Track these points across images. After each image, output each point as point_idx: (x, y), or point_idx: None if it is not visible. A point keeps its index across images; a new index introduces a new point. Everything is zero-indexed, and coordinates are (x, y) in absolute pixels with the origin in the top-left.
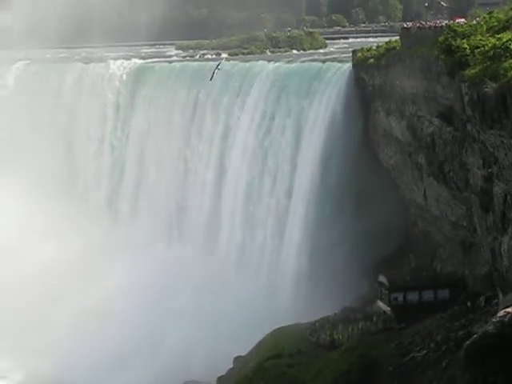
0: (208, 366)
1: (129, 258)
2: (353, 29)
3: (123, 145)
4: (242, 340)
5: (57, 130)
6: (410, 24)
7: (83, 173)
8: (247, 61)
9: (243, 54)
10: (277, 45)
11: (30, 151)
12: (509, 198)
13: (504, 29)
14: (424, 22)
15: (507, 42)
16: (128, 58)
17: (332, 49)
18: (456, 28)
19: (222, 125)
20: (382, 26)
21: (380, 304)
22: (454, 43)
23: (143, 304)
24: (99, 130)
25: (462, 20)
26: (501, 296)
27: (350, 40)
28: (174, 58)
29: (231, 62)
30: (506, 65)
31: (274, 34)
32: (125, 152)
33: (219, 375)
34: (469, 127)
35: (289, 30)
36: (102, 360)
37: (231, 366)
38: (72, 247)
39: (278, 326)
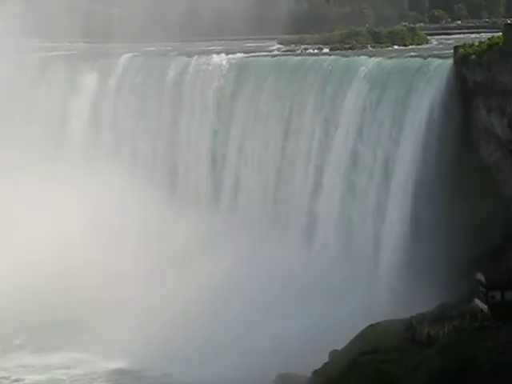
0: (303, 359)
1: (231, 247)
2: (455, 24)
3: (225, 137)
4: (338, 334)
5: (161, 122)
6: None
7: (185, 164)
8: (348, 56)
9: (345, 48)
10: (378, 40)
11: (134, 141)
12: None
13: None
14: None
15: None
16: (231, 52)
17: (434, 44)
18: None
19: (321, 118)
20: (485, 21)
21: (477, 302)
22: None
23: (243, 295)
24: (201, 122)
25: None
26: None
27: (452, 36)
28: (276, 52)
29: (332, 56)
30: None
31: (375, 30)
32: (226, 144)
33: (315, 369)
34: None
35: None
36: (199, 346)
37: (326, 359)
38: (176, 235)
39: (373, 322)
